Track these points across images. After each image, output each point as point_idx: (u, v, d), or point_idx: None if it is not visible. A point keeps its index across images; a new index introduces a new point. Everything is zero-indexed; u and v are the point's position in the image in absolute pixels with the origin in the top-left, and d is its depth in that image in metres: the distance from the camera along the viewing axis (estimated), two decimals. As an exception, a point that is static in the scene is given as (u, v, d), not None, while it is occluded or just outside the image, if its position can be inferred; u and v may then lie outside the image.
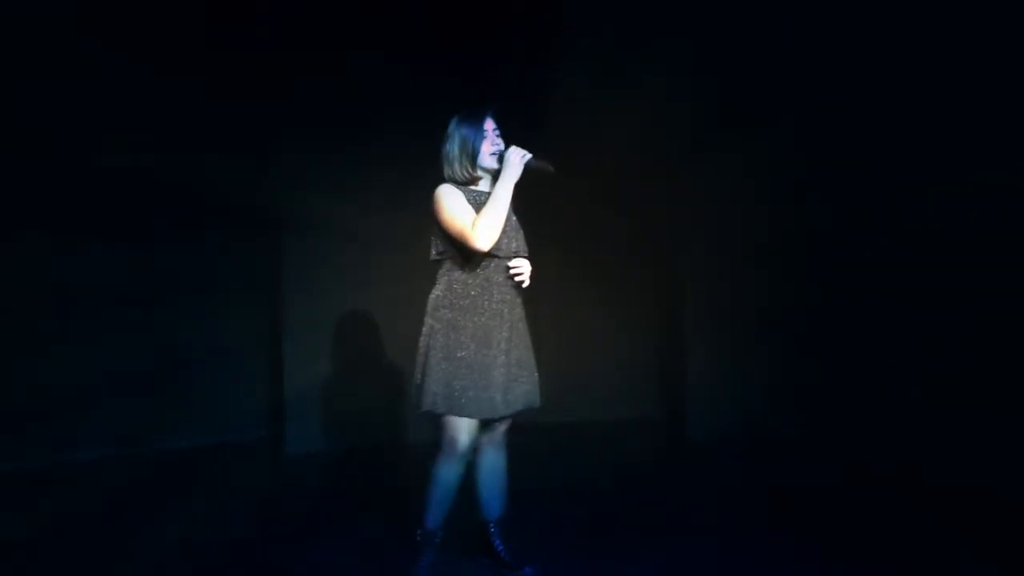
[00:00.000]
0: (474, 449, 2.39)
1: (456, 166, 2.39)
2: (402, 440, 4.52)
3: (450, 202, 2.31)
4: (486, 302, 2.34)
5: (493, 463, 2.48)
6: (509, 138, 2.48)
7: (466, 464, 2.38)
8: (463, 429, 2.30)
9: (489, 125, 2.42)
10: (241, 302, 4.61)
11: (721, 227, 4.60)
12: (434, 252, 2.40)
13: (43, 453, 4.07)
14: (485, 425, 2.39)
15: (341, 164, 4.46)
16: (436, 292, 2.39)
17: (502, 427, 2.47)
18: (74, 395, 4.03)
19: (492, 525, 2.49)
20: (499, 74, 4.51)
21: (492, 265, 2.37)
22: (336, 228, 4.52)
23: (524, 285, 2.42)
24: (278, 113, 4.43)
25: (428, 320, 2.38)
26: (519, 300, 2.45)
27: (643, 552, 2.71)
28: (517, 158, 2.33)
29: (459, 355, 2.29)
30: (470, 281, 2.35)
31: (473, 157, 2.38)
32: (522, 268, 2.40)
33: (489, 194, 2.36)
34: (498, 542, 2.48)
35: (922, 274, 3.57)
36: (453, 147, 2.39)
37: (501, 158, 2.37)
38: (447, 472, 2.36)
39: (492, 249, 2.30)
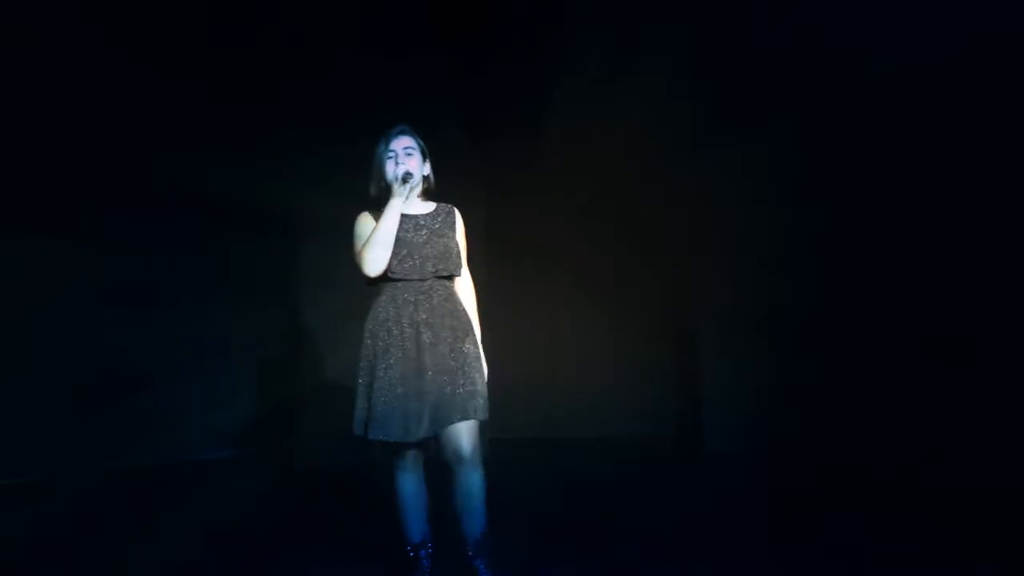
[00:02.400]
0: (448, 466, 2.37)
1: (372, 186, 2.42)
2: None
3: (357, 229, 2.39)
4: (393, 326, 2.32)
5: (462, 483, 2.34)
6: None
7: (418, 475, 2.45)
8: (399, 444, 2.35)
9: (400, 144, 2.40)
10: (240, 303, 4.59)
11: (720, 228, 4.59)
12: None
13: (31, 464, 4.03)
14: (414, 445, 2.35)
15: (341, 164, 4.46)
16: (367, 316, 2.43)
17: (466, 446, 2.31)
18: (65, 400, 4.00)
19: (470, 548, 2.37)
20: (499, 74, 4.52)
21: (399, 287, 2.35)
22: (336, 228, 4.51)
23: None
24: (278, 113, 4.43)
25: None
26: (446, 322, 2.36)
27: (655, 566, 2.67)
28: (395, 179, 2.33)
29: (373, 378, 2.32)
30: (381, 305, 2.37)
31: (381, 178, 2.39)
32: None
33: (405, 217, 2.38)
34: (479, 563, 2.36)
35: (924, 273, 3.56)
36: (373, 167, 2.42)
37: (406, 180, 2.35)
38: (399, 485, 2.45)
39: (391, 273, 2.32)
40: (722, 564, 2.66)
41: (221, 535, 3.11)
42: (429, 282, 2.36)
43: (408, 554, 2.47)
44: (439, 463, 2.43)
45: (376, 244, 2.28)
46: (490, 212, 4.74)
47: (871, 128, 3.79)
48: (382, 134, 2.42)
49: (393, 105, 4.41)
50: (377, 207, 2.37)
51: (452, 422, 2.29)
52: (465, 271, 2.50)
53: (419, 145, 2.44)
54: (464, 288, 2.49)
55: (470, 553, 2.38)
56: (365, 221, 2.40)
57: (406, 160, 2.37)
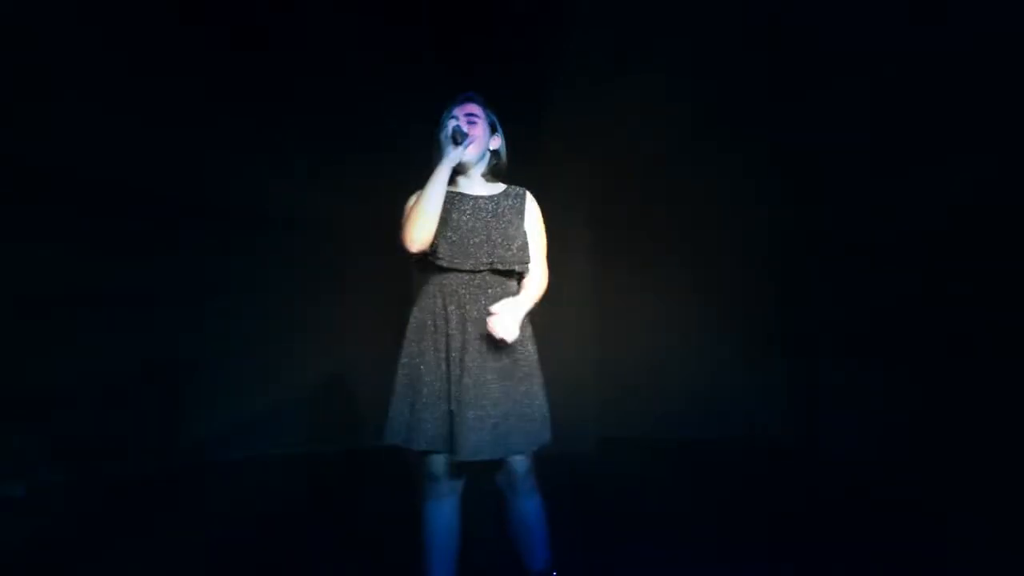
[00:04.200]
0: (500, 492, 2.14)
1: (434, 158, 2.08)
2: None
3: (407, 205, 2.07)
4: (440, 321, 2.01)
5: (518, 511, 2.11)
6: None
7: (455, 504, 2.09)
8: (436, 463, 2.03)
9: (463, 110, 2.11)
10: (240, 303, 4.57)
11: (719, 227, 4.60)
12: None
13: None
14: (464, 464, 2.01)
15: (341, 164, 4.46)
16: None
17: (519, 470, 2.06)
18: (62, 404, 3.98)
19: None
20: (499, 74, 4.51)
21: (448, 278, 2.03)
22: (335, 228, 4.52)
23: (502, 339, 1.95)
24: (278, 113, 4.42)
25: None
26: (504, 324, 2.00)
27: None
28: (446, 139, 2.01)
29: (417, 380, 2.02)
30: (427, 296, 2.06)
31: (440, 146, 2.08)
32: (497, 328, 1.93)
33: (456, 195, 2.09)
34: None
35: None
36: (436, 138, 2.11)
37: (457, 140, 2.03)
38: (429, 514, 2.07)
39: (437, 259, 2.01)
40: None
41: (224, 533, 3.09)
42: (483, 275, 2.03)
43: None
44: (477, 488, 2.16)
45: (417, 216, 1.94)
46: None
47: (872, 128, 3.80)
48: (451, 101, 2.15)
49: (393, 105, 4.42)
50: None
51: (511, 452, 2.01)
52: (539, 267, 2.13)
53: (487, 115, 2.15)
54: (530, 283, 2.11)
55: None
56: (414, 197, 2.06)
57: (466, 127, 2.07)
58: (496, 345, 2.00)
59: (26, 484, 3.79)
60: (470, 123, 2.09)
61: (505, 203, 2.12)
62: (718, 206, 4.56)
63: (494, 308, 1.96)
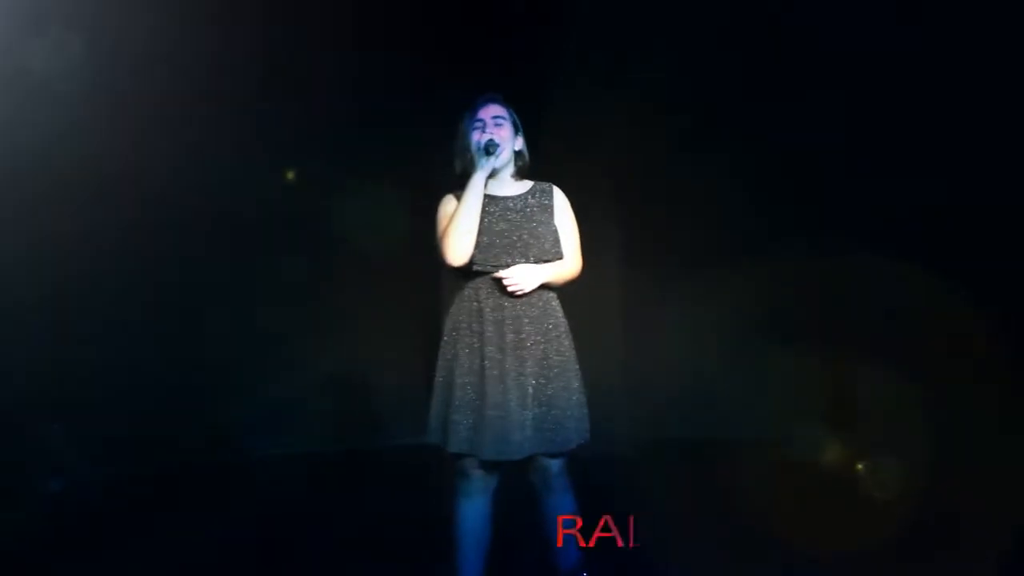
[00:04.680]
0: (532, 489, 2.17)
1: (456, 162, 2.16)
2: (407, 442, 4.52)
3: (439, 212, 2.12)
4: (475, 322, 2.05)
5: (549, 509, 2.14)
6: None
7: (484, 502, 2.11)
8: (470, 461, 2.05)
9: (488, 112, 2.13)
10: (241, 303, 4.57)
11: (719, 227, 4.59)
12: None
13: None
14: (494, 464, 2.05)
15: (342, 164, 4.46)
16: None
17: (553, 468, 2.09)
18: (61, 403, 3.98)
19: None
20: (499, 74, 4.51)
21: (482, 280, 2.07)
22: (335, 228, 4.52)
23: (516, 293, 2.03)
24: (278, 113, 4.43)
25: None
26: (536, 323, 2.07)
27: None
28: (478, 150, 2.06)
29: (452, 382, 2.05)
30: (463, 299, 2.10)
31: (466, 150, 2.12)
32: (513, 276, 2.02)
33: (485, 198, 2.10)
34: None
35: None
36: (456, 140, 2.16)
37: (490, 151, 2.07)
38: (462, 511, 2.11)
39: (475, 262, 2.04)
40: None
41: (225, 535, 3.09)
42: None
43: None
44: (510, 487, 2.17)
45: (457, 231, 2.00)
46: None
47: (872, 127, 3.80)
48: (472, 102, 2.16)
49: (394, 105, 4.43)
50: (462, 187, 2.07)
51: (546, 451, 2.04)
52: (571, 258, 2.19)
53: (511, 115, 2.18)
54: (561, 268, 2.15)
55: None
56: (448, 204, 2.11)
57: (495, 130, 2.11)
58: (531, 343, 2.04)
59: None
60: (497, 125, 2.13)
61: (532, 201, 2.16)
62: (718, 206, 4.55)
63: (509, 271, 2.02)
